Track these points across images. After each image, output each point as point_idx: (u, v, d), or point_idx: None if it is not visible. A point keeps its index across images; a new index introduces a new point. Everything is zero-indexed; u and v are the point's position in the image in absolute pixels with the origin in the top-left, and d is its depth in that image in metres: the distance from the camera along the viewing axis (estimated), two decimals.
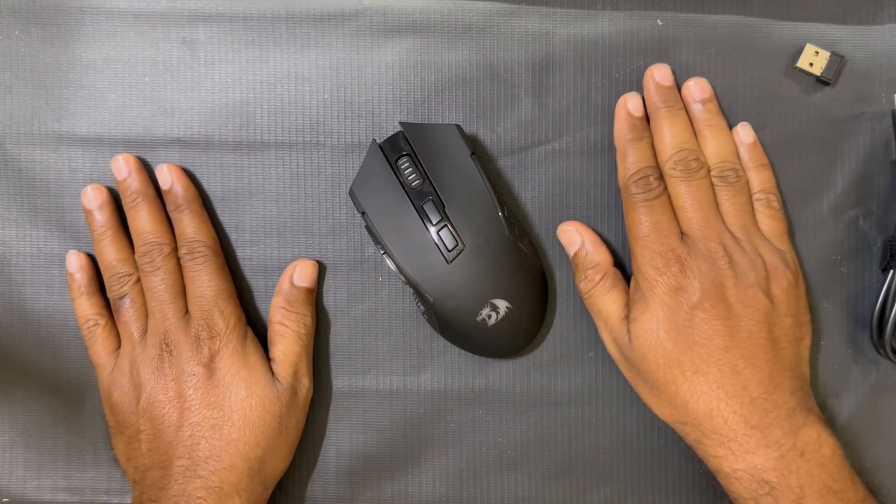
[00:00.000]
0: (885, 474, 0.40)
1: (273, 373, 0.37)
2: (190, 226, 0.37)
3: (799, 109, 0.39)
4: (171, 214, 0.38)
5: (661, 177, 0.37)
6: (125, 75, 0.39)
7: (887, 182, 0.40)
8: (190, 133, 0.39)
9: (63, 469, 0.40)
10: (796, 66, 0.39)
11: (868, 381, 0.40)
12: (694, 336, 0.35)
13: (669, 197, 0.37)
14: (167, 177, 0.38)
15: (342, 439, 0.40)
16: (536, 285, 0.38)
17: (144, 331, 0.37)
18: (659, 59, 0.39)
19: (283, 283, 0.38)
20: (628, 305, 0.37)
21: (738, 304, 0.35)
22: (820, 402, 0.39)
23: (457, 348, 0.39)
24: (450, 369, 0.40)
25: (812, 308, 0.39)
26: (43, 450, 0.40)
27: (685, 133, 0.37)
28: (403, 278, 0.37)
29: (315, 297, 0.39)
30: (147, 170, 0.39)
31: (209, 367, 0.36)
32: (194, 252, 0.37)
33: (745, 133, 0.38)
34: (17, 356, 0.40)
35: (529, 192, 0.40)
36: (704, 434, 0.35)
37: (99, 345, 0.38)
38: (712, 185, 0.37)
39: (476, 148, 0.38)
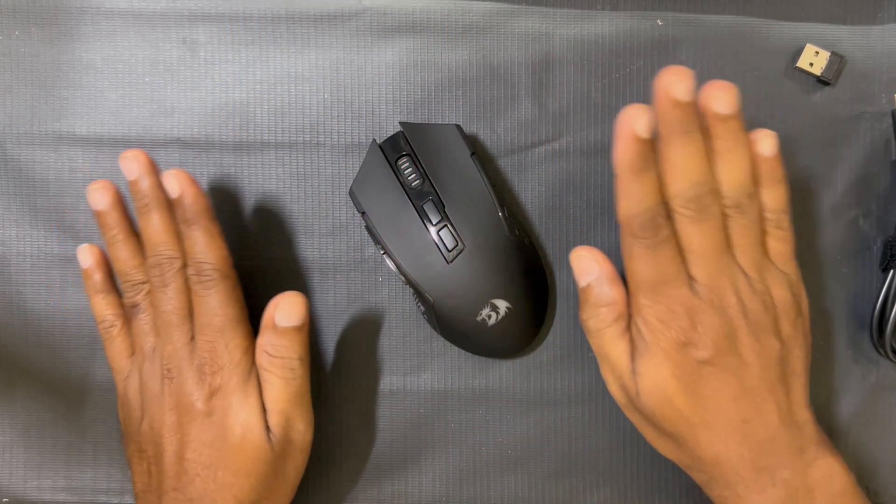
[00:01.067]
0: (885, 474, 0.40)
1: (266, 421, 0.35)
2: (199, 244, 0.35)
3: (799, 109, 0.39)
4: (180, 226, 0.35)
5: (668, 216, 0.32)
6: (125, 75, 0.39)
7: (887, 182, 0.40)
8: (190, 133, 0.39)
9: (63, 469, 0.40)
10: (796, 66, 0.39)
11: (868, 381, 0.40)
12: (702, 390, 0.33)
13: (675, 240, 0.33)
14: (175, 185, 0.34)
15: (342, 439, 0.40)
16: (536, 285, 0.38)
17: (155, 345, 0.36)
18: (659, 60, 0.39)
19: (267, 322, 0.35)
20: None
21: (750, 354, 0.33)
22: (820, 401, 0.40)
23: (457, 348, 0.39)
24: (450, 369, 0.40)
25: (812, 308, 0.39)
26: (43, 450, 0.40)
27: (701, 164, 0.32)
28: (403, 278, 0.37)
29: (307, 332, 0.36)
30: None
31: (208, 404, 0.34)
32: (202, 274, 0.35)
33: (766, 144, 0.34)
34: (17, 356, 0.40)
35: (529, 192, 0.40)
36: (712, 477, 0.34)
37: (115, 348, 0.37)
38: (724, 217, 0.33)
39: (476, 148, 0.38)
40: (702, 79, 0.39)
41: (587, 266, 0.35)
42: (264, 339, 0.35)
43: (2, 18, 0.39)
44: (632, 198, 0.32)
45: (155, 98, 0.39)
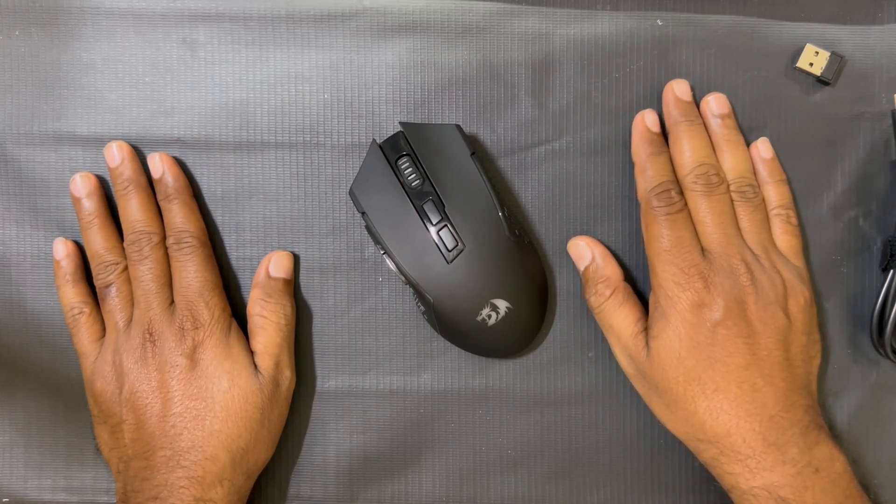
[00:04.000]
0: (886, 474, 0.40)
1: (255, 365, 0.37)
2: (179, 215, 0.37)
3: (799, 109, 0.39)
4: (160, 203, 0.38)
5: (681, 192, 0.37)
6: (125, 75, 0.39)
7: (887, 182, 0.40)
8: (190, 133, 0.39)
9: (63, 469, 0.40)
10: (796, 66, 0.39)
11: (868, 381, 0.40)
12: (716, 353, 0.34)
13: (690, 213, 0.37)
14: (158, 166, 0.38)
15: (342, 439, 0.40)
16: (536, 285, 0.38)
17: (129, 320, 0.37)
18: (659, 60, 0.39)
19: (260, 275, 0.38)
20: (641, 320, 0.37)
21: (758, 323, 0.35)
22: (820, 402, 0.39)
23: (457, 348, 0.39)
24: (450, 369, 0.40)
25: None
26: (43, 450, 0.40)
27: (705, 147, 0.37)
28: (403, 278, 0.37)
29: (293, 287, 0.39)
30: (140, 159, 0.39)
31: (192, 357, 0.36)
32: (182, 242, 0.37)
33: (764, 148, 0.38)
34: (17, 356, 0.40)
35: (529, 192, 0.40)
36: (721, 452, 0.35)
37: (83, 332, 0.38)
38: (731, 200, 0.37)
39: (476, 148, 0.38)
40: (702, 79, 0.40)
41: (583, 251, 0.39)
42: (258, 289, 0.38)
43: (2, 18, 0.39)
44: (648, 176, 0.37)
45: (155, 98, 0.39)
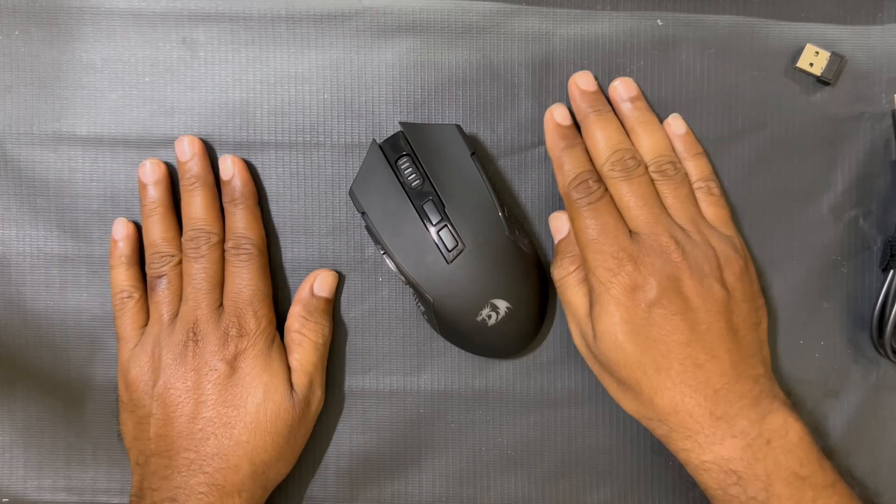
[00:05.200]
0: (885, 474, 0.40)
1: (290, 382, 0.37)
2: (242, 221, 0.37)
3: (799, 109, 0.39)
4: (225, 206, 0.38)
5: (599, 179, 0.37)
6: (125, 75, 0.39)
7: (887, 182, 0.40)
8: (190, 133, 0.39)
9: (63, 469, 0.40)
10: (796, 66, 0.39)
11: (868, 381, 0.40)
12: (653, 333, 0.34)
13: (612, 199, 0.36)
14: (230, 168, 0.38)
15: (342, 439, 0.40)
16: (536, 285, 0.38)
17: (175, 315, 0.37)
18: (659, 60, 0.39)
19: (303, 292, 0.38)
20: None
21: (695, 297, 0.35)
22: (820, 401, 0.40)
23: (457, 348, 0.39)
24: (450, 369, 0.40)
25: (812, 308, 0.39)
26: (43, 450, 0.40)
27: (618, 134, 0.37)
28: (403, 278, 0.37)
29: (332, 307, 0.39)
30: (139, 160, 0.38)
31: (232, 364, 0.36)
32: (240, 248, 0.37)
33: (676, 124, 0.38)
34: (17, 356, 0.40)
35: (529, 192, 0.40)
36: (671, 429, 0.35)
37: (127, 318, 0.38)
38: (652, 181, 0.37)
39: (476, 148, 0.38)
40: (702, 79, 0.40)
41: (560, 224, 0.39)
42: (299, 306, 0.38)
43: (2, 18, 0.39)
44: (565, 170, 0.37)
45: (155, 98, 0.39)
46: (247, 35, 0.39)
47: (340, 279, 0.40)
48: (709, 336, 0.34)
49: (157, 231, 0.38)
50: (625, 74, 0.39)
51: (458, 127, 0.37)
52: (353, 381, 0.40)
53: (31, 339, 0.40)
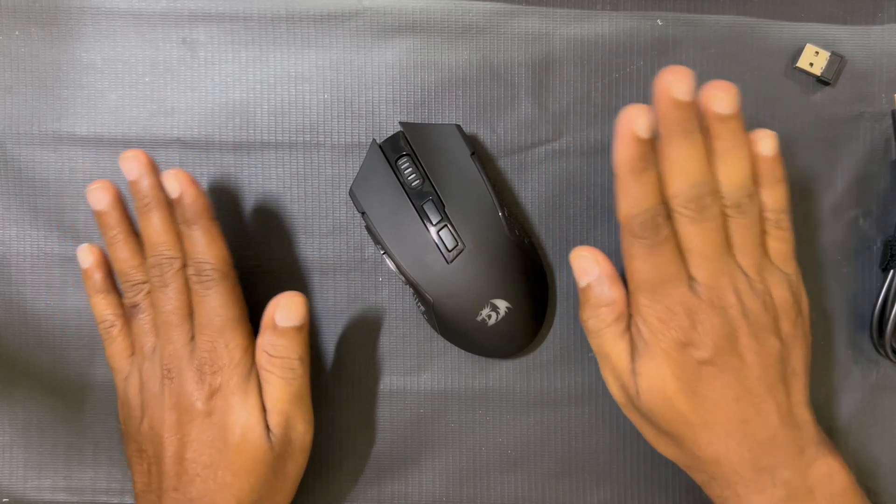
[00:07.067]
0: (886, 474, 0.40)
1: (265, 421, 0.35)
2: (199, 244, 0.35)
3: (799, 109, 0.39)
4: (180, 226, 0.35)
5: (668, 217, 0.32)
6: (125, 75, 0.39)
7: (887, 182, 0.40)
8: (190, 133, 0.39)
9: (63, 469, 0.40)
10: (796, 66, 0.39)
11: (868, 381, 0.40)
12: (702, 390, 0.33)
13: (676, 241, 0.33)
14: (175, 185, 0.34)
15: (342, 439, 0.40)
16: (536, 285, 0.38)
17: (155, 345, 0.36)
18: (659, 60, 0.39)
19: (267, 320, 0.35)
20: None
21: (750, 354, 0.33)
22: (820, 402, 0.40)
23: (457, 348, 0.39)
24: (450, 369, 0.40)
25: (812, 308, 0.39)
26: (43, 450, 0.40)
27: (702, 164, 0.32)
28: (403, 278, 0.37)
29: (307, 332, 0.36)
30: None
31: (208, 404, 0.34)
32: (202, 274, 0.34)
33: (766, 145, 0.34)
34: (17, 356, 0.40)
35: (529, 192, 0.40)
36: (712, 477, 0.34)
37: (115, 348, 0.37)
38: (724, 216, 0.33)
39: (476, 148, 0.38)
40: (702, 79, 0.39)
41: (587, 266, 0.35)
42: (264, 339, 0.35)
43: (2, 18, 0.39)
44: (632, 198, 0.32)
45: (155, 98, 0.39)
46: (247, 35, 0.39)
47: (341, 279, 0.40)
48: (759, 389, 0.33)
49: (123, 259, 0.36)
50: (625, 74, 0.39)
51: (458, 127, 0.37)
52: (354, 381, 0.40)
53: (31, 339, 0.40)
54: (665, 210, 0.32)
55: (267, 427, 0.35)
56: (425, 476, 0.40)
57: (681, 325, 0.32)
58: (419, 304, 0.38)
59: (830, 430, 0.40)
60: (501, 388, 0.40)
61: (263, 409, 0.35)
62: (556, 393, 0.40)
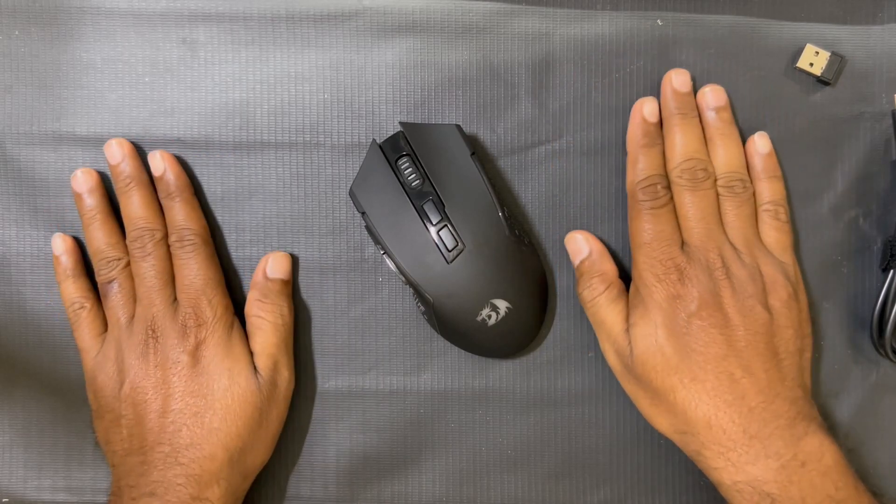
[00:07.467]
0: (885, 474, 0.40)
1: (254, 365, 0.37)
2: (180, 213, 0.37)
3: (799, 109, 0.39)
4: (162, 201, 0.38)
5: (668, 185, 0.37)
6: (125, 75, 0.39)
7: (887, 182, 0.40)
8: (190, 133, 0.39)
9: (63, 469, 0.40)
10: (796, 66, 0.39)
11: (868, 381, 0.40)
12: (691, 343, 0.35)
13: (674, 205, 0.37)
14: (160, 163, 0.38)
15: (342, 439, 0.40)
16: (536, 285, 0.38)
17: (131, 316, 0.37)
18: (659, 60, 0.39)
19: (258, 276, 0.38)
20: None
21: (735, 314, 0.35)
22: (820, 402, 0.40)
23: (457, 348, 0.39)
24: (450, 369, 0.40)
25: (812, 308, 0.39)
26: (43, 450, 0.40)
27: (696, 142, 0.37)
28: (403, 278, 0.37)
29: (290, 289, 0.39)
30: (141, 156, 0.39)
31: (194, 355, 0.36)
32: (184, 240, 0.37)
33: (761, 143, 0.38)
34: (17, 356, 0.40)
35: (529, 192, 0.40)
36: (704, 444, 0.34)
37: (84, 328, 0.38)
38: (718, 195, 0.37)
39: (476, 148, 0.38)
40: (702, 78, 0.40)
41: (580, 245, 0.39)
42: (255, 291, 0.38)
43: (2, 18, 0.39)
44: (638, 167, 0.37)
45: (155, 98, 0.39)
46: (247, 35, 0.39)
47: (341, 279, 0.40)
48: (746, 353, 0.35)
49: (100, 238, 0.38)
50: (625, 74, 0.39)
51: (458, 127, 0.37)
52: (353, 381, 0.40)
53: (31, 339, 0.40)
54: (666, 181, 0.37)
55: (255, 371, 0.37)
56: (425, 476, 0.40)
57: (671, 278, 0.36)
58: (419, 304, 0.38)
59: (830, 430, 0.39)
60: (501, 388, 0.40)
61: (250, 356, 0.37)
62: (556, 393, 0.40)
